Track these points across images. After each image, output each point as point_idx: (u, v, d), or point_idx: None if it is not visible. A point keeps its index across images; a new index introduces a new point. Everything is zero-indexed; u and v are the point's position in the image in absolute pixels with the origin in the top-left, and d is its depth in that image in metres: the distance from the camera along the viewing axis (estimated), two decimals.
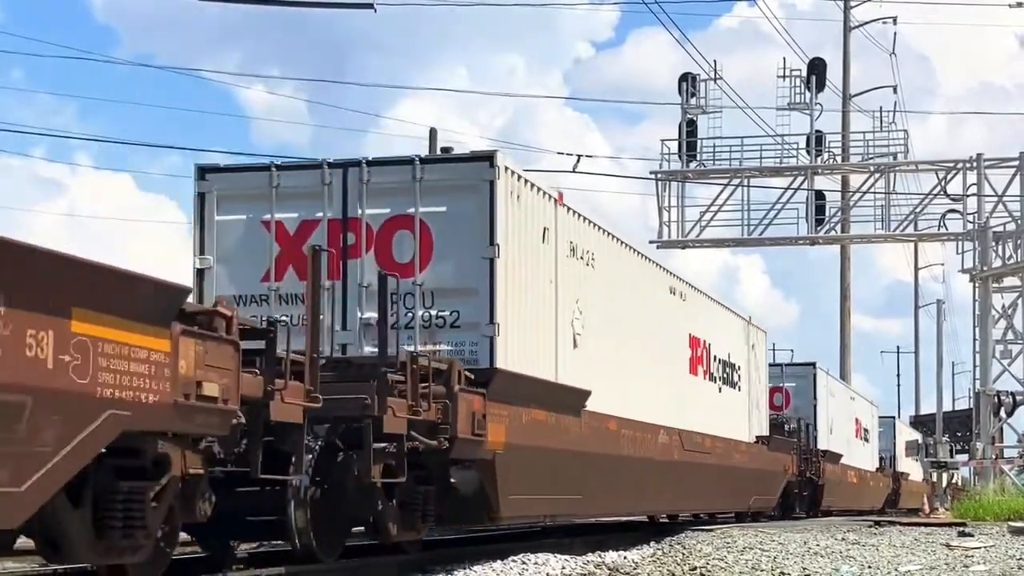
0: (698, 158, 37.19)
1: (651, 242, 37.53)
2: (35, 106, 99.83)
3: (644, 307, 20.33)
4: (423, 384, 12.88)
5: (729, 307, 26.53)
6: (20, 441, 7.63)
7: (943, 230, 37.28)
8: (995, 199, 35.92)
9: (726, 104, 37.41)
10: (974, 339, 35.98)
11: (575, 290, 17.09)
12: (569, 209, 17.07)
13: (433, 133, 40.56)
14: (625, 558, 15.25)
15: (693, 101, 36.95)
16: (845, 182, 40.53)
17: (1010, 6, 46.12)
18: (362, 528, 13.65)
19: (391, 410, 12.29)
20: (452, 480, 14.20)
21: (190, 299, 9.81)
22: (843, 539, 18.42)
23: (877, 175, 36.55)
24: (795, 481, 31.53)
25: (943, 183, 36.31)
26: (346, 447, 12.43)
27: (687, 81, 37.01)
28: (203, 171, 15.50)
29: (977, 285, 35.73)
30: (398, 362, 12.72)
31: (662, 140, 37.46)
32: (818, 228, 36.95)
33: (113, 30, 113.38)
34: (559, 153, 79.41)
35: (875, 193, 36.57)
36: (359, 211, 15.10)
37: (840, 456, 38.38)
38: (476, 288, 14.64)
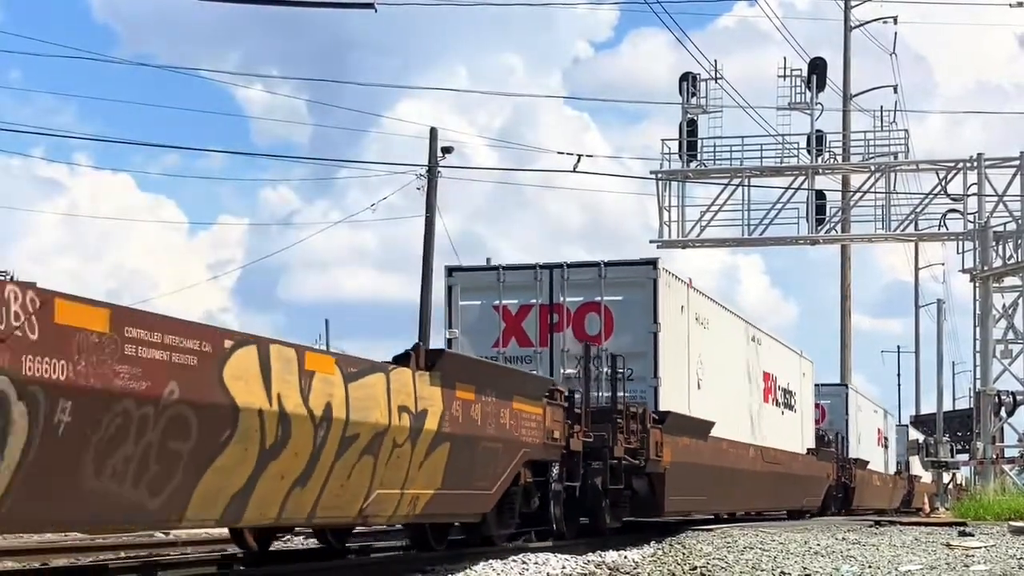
0: (698, 158, 37.16)
1: (651, 242, 37.55)
2: (34, 106, 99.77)
3: (736, 353, 27.10)
4: (631, 422, 19.43)
5: (788, 345, 33.23)
6: (493, 467, 14.43)
7: (943, 230, 37.20)
8: (996, 199, 35.90)
9: (727, 104, 37.40)
10: (974, 339, 35.97)
11: (698, 347, 23.41)
12: (695, 290, 23.57)
13: (434, 133, 40.55)
14: (625, 558, 15.24)
15: (693, 101, 36.92)
16: (846, 182, 40.49)
17: (1011, 6, 46.08)
18: (586, 519, 19.08)
19: (619, 441, 18.77)
20: (634, 487, 19.95)
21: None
22: (843, 539, 18.41)
23: (878, 175, 36.52)
24: (833, 484, 37.25)
25: (943, 183, 36.29)
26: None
27: (688, 81, 36.95)
28: (451, 270, 22.01)
29: (977, 285, 35.71)
30: (622, 409, 19.13)
31: (663, 140, 37.45)
32: (818, 228, 36.93)
33: (112, 30, 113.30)
34: (559, 153, 79.08)
35: (875, 193, 36.55)
36: (561, 299, 21.31)
37: (867, 463, 43.67)
38: (645, 352, 20.87)
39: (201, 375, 9.10)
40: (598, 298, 21.16)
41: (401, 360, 12.36)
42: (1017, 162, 35.71)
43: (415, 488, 12.48)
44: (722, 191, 37.05)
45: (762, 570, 13.29)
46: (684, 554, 15.38)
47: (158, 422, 8.77)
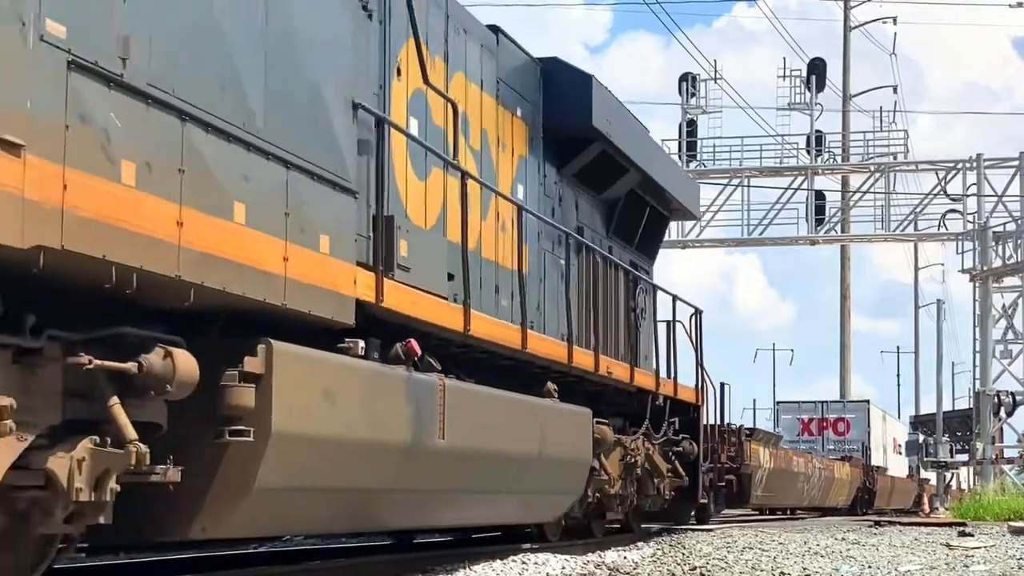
0: (698, 158, 37.19)
1: None
2: None
3: (886, 431, 53.38)
4: (872, 471, 45.03)
5: (897, 419, 60.66)
6: (852, 489, 38.74)
7: (943, 230, 37.28)
8: (995, 199, 35.95)
9: (726, 104, 37.50)
10: (974, 339, 36.04)
11: (882, 431, 52.14)
12: (876, 407, 51.16)
13: None
14: (625, 558, 15.22)
15: (693, 101, 36.94)
16: (845, 182, 40.49)
17: (1010, 6, 46.10)
18: None
19: (868, 479, 42.92)
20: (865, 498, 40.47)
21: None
22: (843, 539, 18.42)
23: (877, 175, 36.56)
24: (915, 494, 58.44)
25: (943, 183, 36.34)
26: None
27: (687, 81, 36.99)
28: (777, 403, 53.03)
29: (977, 285, 35.74)
30: (874, 467, 45.79)
31: (662, 140, 37.48)
32: (818, 228, 36.97)
33: None
34: None
35: (875, 193, 36.60)
36: (827, 415, 48.47)
37: (929, 480, 67.69)
38: (864, 440, 47.85)
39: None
40: (843, 416, 48.11)
41: (842, 461, 35.80)
42: (1016, 162, 35.74)
43: (843, 497, 34.85)
44: (721, 191, 37.10)
45: (762, 570, 13.29)
46: (684, 554, 15.37)
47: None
